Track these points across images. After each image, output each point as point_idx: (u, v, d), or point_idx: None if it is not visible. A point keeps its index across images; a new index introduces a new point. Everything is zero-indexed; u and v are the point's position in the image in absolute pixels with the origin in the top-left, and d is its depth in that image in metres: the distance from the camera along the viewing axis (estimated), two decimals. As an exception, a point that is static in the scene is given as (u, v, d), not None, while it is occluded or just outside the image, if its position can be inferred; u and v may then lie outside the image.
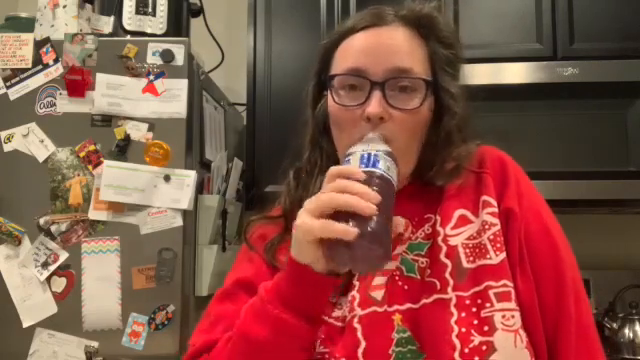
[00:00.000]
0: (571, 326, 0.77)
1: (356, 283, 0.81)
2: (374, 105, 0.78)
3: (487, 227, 0.79)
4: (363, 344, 0.76)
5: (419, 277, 0.79)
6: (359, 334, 0.77)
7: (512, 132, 1.85)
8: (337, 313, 0.80)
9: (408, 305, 0.78)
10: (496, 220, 0.80)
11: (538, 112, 1.86)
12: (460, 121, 0.83)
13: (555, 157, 1.84)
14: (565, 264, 0.80)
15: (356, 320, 0.78)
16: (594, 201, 1.85)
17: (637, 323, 1.91)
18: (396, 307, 0.78)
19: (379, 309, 0.78)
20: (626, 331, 1.91)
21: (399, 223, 0.83)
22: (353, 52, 0.82)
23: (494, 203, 0.81)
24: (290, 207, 0.89)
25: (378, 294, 0.79)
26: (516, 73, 1.86)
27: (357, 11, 1.98)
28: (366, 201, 0.67)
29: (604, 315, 1.98)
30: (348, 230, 0.66)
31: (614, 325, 1.93)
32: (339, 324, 0.80)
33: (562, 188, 1.82)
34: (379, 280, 0.80)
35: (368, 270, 0.75)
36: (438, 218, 0.82)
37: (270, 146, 1.96)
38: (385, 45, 0.81)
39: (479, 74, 1.86)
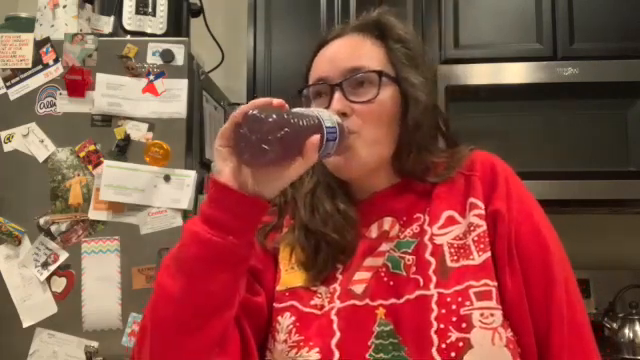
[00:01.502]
0: (563, 325, 0.78)
1: (339, 276, 0.85)
2: (334, 103, 0.85)
3: (473, 229, 0.82)
4: (337, 335, 0.79)
5: (405, 274, 0.82)
6: (334, 326, 0.79)
7: (512, 132, 1.85)
8: (315, 301, 0.83)
9: (392, 300, 0.80)
10: (482, 222, 0.82)
11: (538, 112, 1.86)
12: (424, 110, 0.87)
13: (555, 157, 1.84)
14: (556, 264, 0.81)
15: (334, 312, 0.81)
16: (594, 201, 1.85)
17: (637, 323, 1.91)
18: (380, 302, 0.80)
19: (358, 302, 0.81)
20: (626, 331, 1.91)
21: (386, 221, 0.87)
22: (317, 64, 0.92)
23: (481, 205, 0.83)
24: (283, 200, 0.93)
25: (358, 288, 0.82)
26: (516, 73, 1.86)
27: (357, 11, 2.01)
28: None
29: (604, 315, 1.98)
30: (242, 109, 0.75)
31: (614, 325, 1.93)
32: (316, 312, 0.82)
33: (562, 188, 1.82)
34: (362, 275, 0.83)
35: (253, 163, 0.74)
36: (427, 218, 0.85)
37: (270, 146, 1.95)
38: (336, 52, 0.90)
39: (479, 74, 1.86)
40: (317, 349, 0.78)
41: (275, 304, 0.85)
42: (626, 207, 1.97)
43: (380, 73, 0.87)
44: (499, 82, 1.85)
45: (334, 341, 0.78)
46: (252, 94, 2.00)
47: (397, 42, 0.90)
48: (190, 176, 1.58)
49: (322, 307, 0.82)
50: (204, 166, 1.73)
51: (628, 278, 2.05)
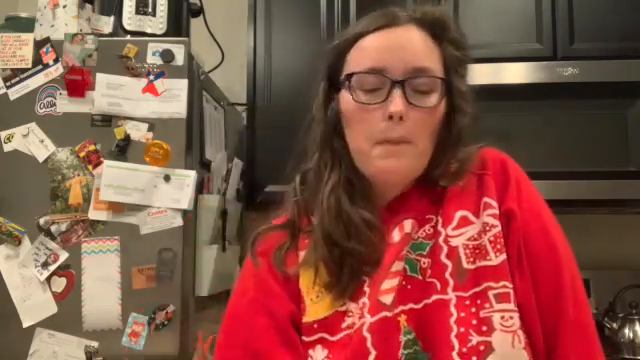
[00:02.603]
0: (569, 325, 0.77)
1: (366, 289, 0.81)
2: (397, 103, 0.78)
3: (488, 229, 0.80)
4: (373, 354, 0.76)
5: (421, 277, 0.80)
6: (368, 344, 0.76)
7: (512, 132, 1.85)
8: (347, 322, 0.80)
9: (410, 305, 0.78)
10: (497, 222, 0.80)
11: (538, 112, 1.85)
12: (471, 121, 0.84)
13: (555, 157, 1.84)
14: (564, 264, 0.80)
15: (365, 328, 0.77)
16: (594, 201, 1.85)
17: (637, 323, 1.91)
18: (401, 308, 0.78)
19: (389, 314, 0.78)
20: (626, 331, 1.91)
21: (407, 224, 0.83)
22: (371, 51, 0.82)
23: (495, 205, 0.82)
24: (298, 213, 0.88)
25: (387, 298, 0.79)
26: (516, 73, 1.86)
27: (357, 11, 2.01)
28: None
29: (604, 315, 1.98)
30: None
31: (614, 325, 1.93)
32: (349, 332, 0.79)
33: (562, 188, 1.82)
34: (389, 283, 0.80)
35: None
36: (440, 219, 0.82)
37: (270, 146, 1.96)
38: (402, 44, 0.81)
39: (479, 74, 1.84)
40: None
41: (304, 337, 0.81)
42: (626, 207, 1.97)
43: (445, 82, 0.81)
44: (499, 82, 1.85)
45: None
46: (252, 94, 2.00)
47: (450, 44, 0.85)
48: (190, 176, 1.58)
49: (353, 324, 0.79)
50: (204, 166, 1.73)
51: (628, 278, 2.05)
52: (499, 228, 0.80)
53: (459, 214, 0.82)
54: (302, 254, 0.86)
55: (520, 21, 1.93)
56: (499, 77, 1.86)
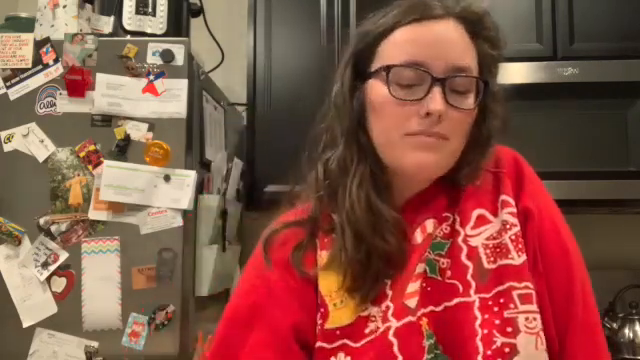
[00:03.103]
0: (578, 327, 0.77)
1: (388, 292, 0.79)
2: (438, 102, 0.75)
3: (508, 227, 0.78)
4: (400, 359, 0.73)
5: (440, 278, 0.78)
6: (395, 349, 0.74)
7: (511, 132, 1.84)
8: (370, 327, 0.77)
9: (431, 308, 0.76)
10: (516, 220, 0.79)
11: (538, 112, 1.85)
12: (501, 123, 0.82)
13: (555, 157, 1.84)
14: (575, 268, 0.80)
15: (391, 333, 0.75)
16: (594, 201, 1.85)
17: (637, 323, 1.91)
18: (422, 311, 0.76)
19: (413, 318, 0.76)
20: (626, 331, 1.91)
21: (428, 224, 0.81)
22: (408, 45, 0.77)
23: (512, 202, 0.80)
24: (320, 210, 0.84)
25: (412, 302, 0.76)
26: (516, 73, 1.86)
27: (357, 11, 2.01)
28: None
29: (604, 315, 1.98)
30: None
31: (614, 325, 1.93)
32: (372, 337, 0.76)
33: (562, 188, 1.82)
34: (413, 286, 0.77)
35: None
36: (457, 218, 0.81)
37: (270, 146, 1.96)
38: (442, 40, 0.77)
39: (479, 74, 1.85)
40: None
41: (324, 344, 0.78)
42: (626, 207, 1.97)
43: (485, 83, 0.79)
44: (499, 82, 1.85)
45: None
46: (252, 94, 2.00)
47: (486, 41, 0.82)
48: (190, 176, 1.58)
49: (377, 329, 0.76)
50: (204, 166, 1.73)
51: (628, 278, 2.05)
52: (519, 227, 0.78)
53: (476, 212, 0.80)
54: (323, 254, 0.82)
55: (520, 21, 1.92)
56: (499, 77, 1.86)
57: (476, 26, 0.81)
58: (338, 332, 0.78)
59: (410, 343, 0.74)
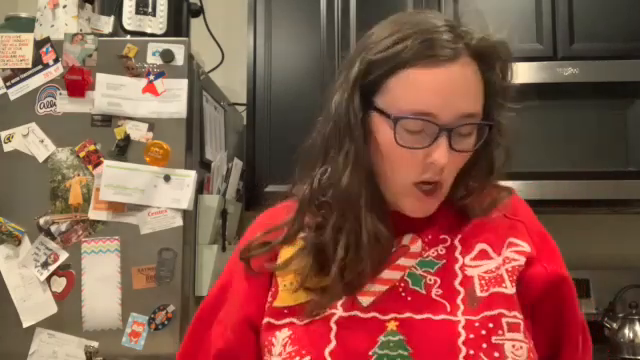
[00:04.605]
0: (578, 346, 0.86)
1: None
2: (443, 155, 0.75)
3: (507, 261, 0.81)
4: (333, 343, 0.76)
5: (424, 292, 0.79)
6: (332, 334, 0.77)
7: (511, 132, 1.84)
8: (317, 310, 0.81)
9: (408, 314, 0.78)
10: (519, 257, 0.81)
11: (538, 112, 1.85)
12: (504, 155, 0.83)
13: (555, 157, 1.84)
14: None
15: (334, 319, 0.78)
16: (594, 201, 1.85)
17: (637, 323, 1.91)
18: (393, 315, 0.78)
19: (361, 314, 0.78)
20: (626, 331, 1.91)
21: (405, 238, 0.83)
22: (422, 93, 0.75)
23: (523, 245, 0.82)
24: (302, 218, 0.84)
25: (365, 300, 0.79)
26: (516, 73, 1.85)
27: (357, 12, 2.01)
28: None
29: (604, 315, 1.98)
30: None
31: (614, 325, 1.93)
32: (315, 318, 0.80)
33: (562, 188, 1.82)
34: (375, 287, 0.80)
35: None
36: (458, 245, 0.82)
37: (270, 146, 1.96)
38: (453, 88, 0.75)
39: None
40: (309, 357, 0.76)
41: (271, 319, 0.81)
42: (626, 207, 1.97)
43: (490, 127, 0.79)
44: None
45: (328, 349, 0.76)
46: (252, 94, 2.00)
47: (497, 71, 0.80)
48: (190, 176, 1.58)
49: (321, 313, 0.79)
50: (204, 166, 1.73)
51: (628, 278, 2.05)
52: (520, 262, 0.81)
53: (480, 246, 0.82)
54: (286, 249, 0.84)
55: (520, 21, 1.92)
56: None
57: (490, 59, 0.79)
58: (286, 311, 0.81)
59: (352, 332, 0.77)
